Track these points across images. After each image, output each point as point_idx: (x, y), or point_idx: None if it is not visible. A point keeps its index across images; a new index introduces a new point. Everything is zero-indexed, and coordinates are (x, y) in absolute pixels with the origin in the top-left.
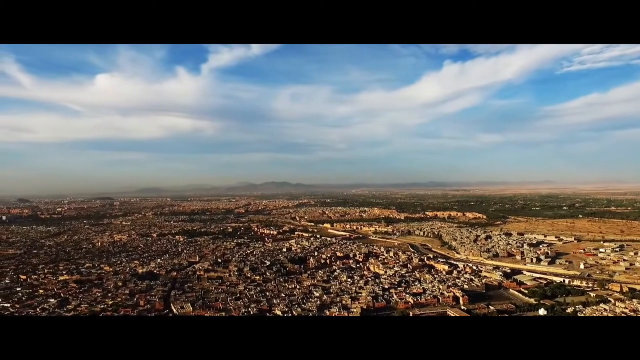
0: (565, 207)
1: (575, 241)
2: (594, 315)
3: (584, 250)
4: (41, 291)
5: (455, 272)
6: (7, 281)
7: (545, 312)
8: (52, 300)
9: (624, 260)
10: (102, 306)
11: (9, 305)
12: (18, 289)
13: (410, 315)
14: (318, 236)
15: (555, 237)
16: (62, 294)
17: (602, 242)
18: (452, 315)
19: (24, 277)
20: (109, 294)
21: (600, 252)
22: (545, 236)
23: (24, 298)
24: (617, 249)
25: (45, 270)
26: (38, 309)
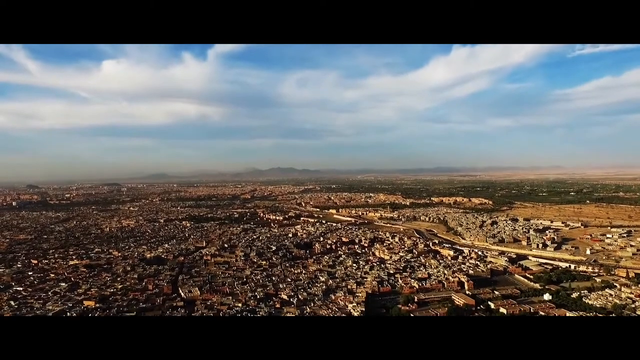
0: (572, 193)
1: (582, 227)
2: (596, 314)
3: (590, 236)
4: (52, 275)
5: (460, 257)
6: (19, 265)
7: (550, 297)
8: (63, 284)
9: (631, 245)
10: (112, 290)
11: (21, 289)
12: (30, 273)
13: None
14: (324, 222)
15: (562, 223)
16: (72, 278)
17: (609, 227)
18: (456, 299)
19: (35, 261)
20: (118, 279)
21: (607, 237)
22: (551, 222)
23: (35, 282)
24: (625, 235)
25: (56, 255)
26: (50, 293)
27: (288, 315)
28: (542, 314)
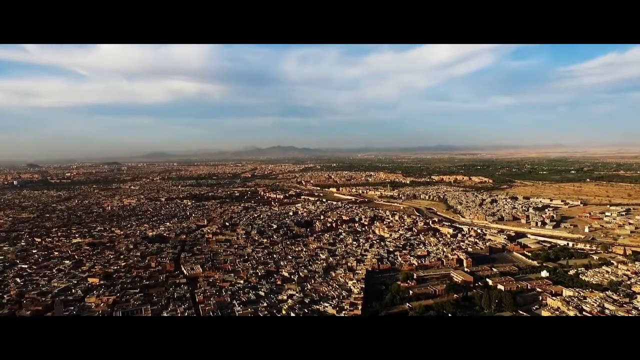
0: (573, 171)
1: (582, 205)
2: (594, 314)
3: (589, 214)
4: (56, 253)
5: (459, 235)
6: (22, 244)
7: (547, 274)
8: (67, 261)
9: (630, 223)
10: (115, 267)
11: (26, 266)
12: (34, 251)
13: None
14: (324, 200)
15: (562, 201)
16: (76, 256)
17: (608, 205)
18: (455, 276)
19: (39, 240)
20: (121, 256)
21: (606, 215)
22: (551, 200)
23: (40, 260)
24: (624, 213)
25: (59, 234)
26: (54, 270)
27: (291, 292)
28: (539, 290)
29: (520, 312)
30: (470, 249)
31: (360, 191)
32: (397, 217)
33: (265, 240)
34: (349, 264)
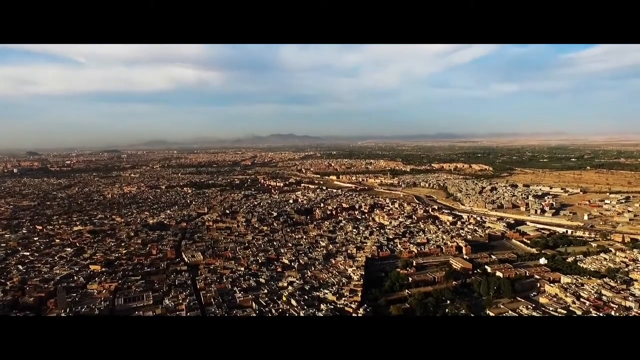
0: (573, 159)
1: (581, 193)
2: (593, 314)
3: (589, 201)
4: (57, 241)
5: (459, 222)
6: (24, 231)
7: (545, 262)
8: (69, 249)
9: (629, 211)
10: (117, 255)
11: (28, 253)
12: (35, 239)
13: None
14: (324, 188)
15: (561, 189)
16: (77, 244)
17: (608, 193)
18: (454, 263)
19: (40, 227)
20: (122, 244)
21: (606, 203)
22: (551, 188)
23: (41, 247)
24: (623, 201)
25: (60, 221)
26: (56, 257)
27: (291, 279)
28: (538, 277)
29: (519, 298)
30: (469, 237)
31: (360, 179)
32: (397, 205)
33: (265, 227)
34: (349, 252)
